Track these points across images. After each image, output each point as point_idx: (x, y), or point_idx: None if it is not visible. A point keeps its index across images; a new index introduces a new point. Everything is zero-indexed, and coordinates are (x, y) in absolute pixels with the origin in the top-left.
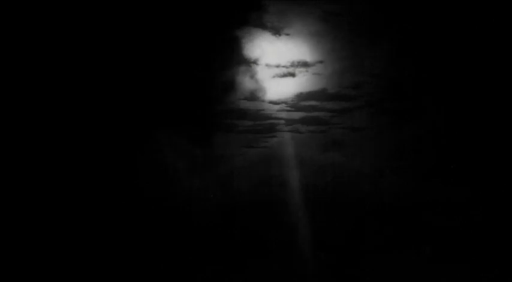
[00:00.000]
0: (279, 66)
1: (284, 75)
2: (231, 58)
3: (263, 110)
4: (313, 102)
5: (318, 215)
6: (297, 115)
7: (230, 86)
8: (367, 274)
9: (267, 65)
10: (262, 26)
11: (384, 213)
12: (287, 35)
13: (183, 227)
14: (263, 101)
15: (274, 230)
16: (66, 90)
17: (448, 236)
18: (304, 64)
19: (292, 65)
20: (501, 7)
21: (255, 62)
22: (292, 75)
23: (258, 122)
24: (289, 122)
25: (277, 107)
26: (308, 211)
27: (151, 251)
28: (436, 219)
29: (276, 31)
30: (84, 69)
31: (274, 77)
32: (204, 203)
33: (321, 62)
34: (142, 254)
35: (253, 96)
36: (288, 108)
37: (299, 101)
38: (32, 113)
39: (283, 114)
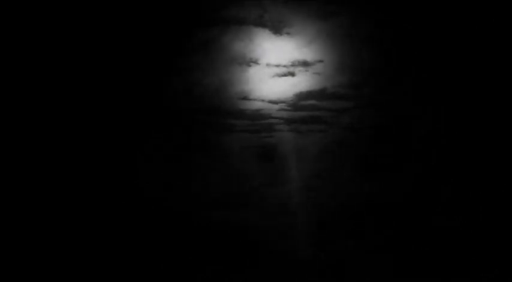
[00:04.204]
0: (279, 65)
1: (284, 75)
2: (231, 57)
3: (262, 109)
4: (313, 102)
5: (318, 214)
6: (297, 115)
7: (229, 85)
8: (367, 274)
9: (267, 64)
10: (263, 25)
11: (384, 213)
12: (287, 34)
13: (183, 227)
14: (262, 100)
15: (274, 230)
16: (66, 90)
17: (448, 236)
18: (304, 63)
19: (293, 64)
20: (501, 7)
21: (255, 61)
22: (292, 74)
23: (256, 121)
24: (289, 121)
25: (276, 106)
26: (308, 211)
27: (151, 251)
28: (436, 219)
29: (277, 30)
30: (84, 70)
31: (273, 76)
32: (203, 203)
33: (321, 61)
34: (142, 254)
35: (252, 95)
36: (288, 108)
37: (299, 101)
38: (32, 114)
39: (283, 114)
